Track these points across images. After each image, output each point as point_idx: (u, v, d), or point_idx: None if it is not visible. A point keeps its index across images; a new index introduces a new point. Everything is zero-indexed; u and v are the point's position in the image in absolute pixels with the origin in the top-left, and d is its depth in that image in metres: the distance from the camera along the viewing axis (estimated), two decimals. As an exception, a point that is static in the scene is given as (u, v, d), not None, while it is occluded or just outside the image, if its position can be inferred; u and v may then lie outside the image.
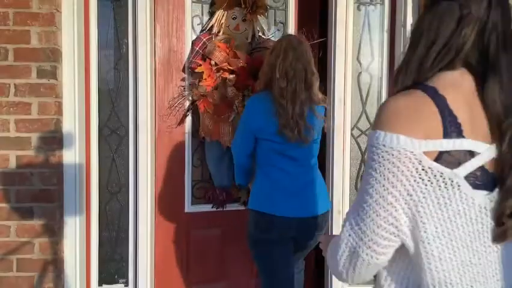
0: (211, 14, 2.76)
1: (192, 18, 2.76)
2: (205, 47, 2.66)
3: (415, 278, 1.01)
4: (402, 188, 0.96)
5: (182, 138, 2.79)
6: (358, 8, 2.72)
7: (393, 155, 0.96)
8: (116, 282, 2.76)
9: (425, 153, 0.96)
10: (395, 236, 0.98)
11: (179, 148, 2.79)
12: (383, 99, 2.73)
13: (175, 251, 2.82)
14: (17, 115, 2.48)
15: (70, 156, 2.59)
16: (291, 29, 2.91)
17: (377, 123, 1.00)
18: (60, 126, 2.55)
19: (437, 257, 0.98)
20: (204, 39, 2.69)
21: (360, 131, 2.75)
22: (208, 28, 2.73)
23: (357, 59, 2.74)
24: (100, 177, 2.72)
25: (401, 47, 2.65)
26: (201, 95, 2.64)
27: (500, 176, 1.00)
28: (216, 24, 2.69)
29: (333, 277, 2.75)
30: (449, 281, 0.98)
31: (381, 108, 1.01)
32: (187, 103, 2.76)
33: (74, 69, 2.58)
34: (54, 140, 2.51)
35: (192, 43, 2.73)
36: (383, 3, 2.73)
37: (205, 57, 2.66)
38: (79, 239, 2.63)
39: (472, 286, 0.98)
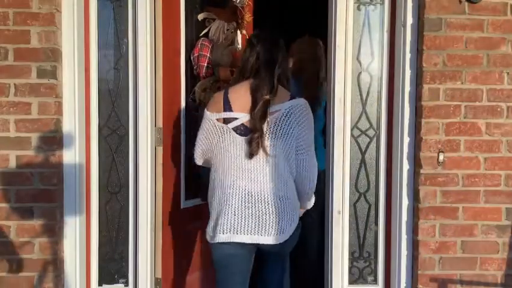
0: (203, 22, 3.00)
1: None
2: (211, 52, 2.92)
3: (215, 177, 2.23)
4: (205, 135, 2.23)
5: (178, 137, 2.82)
6: (358, 8, 2.72)
7: (204, 121, 2.24)
8: (116, 282, 2.77)
9: (217, 119, 2.18)
10: (202, 154, 2.29)
11: (176, 146, 2.82)
12: (383, 99, 2.73)
13: (174, 245, 2.85)
14: (17, 115, 2.49)
15: (70, 156, 2.59)
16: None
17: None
18: (60, 126, 2.55)
19: (217, 164, 2.20)
20: (210, 46, 2.92)
21: (360, 131, 2.75)
22: (203, 34, 2.97)
23: (357, 59, 2.74)
24: (100, 177, 2.72)
25: (401, 47, 2.64)
26: None
27: (252, 125, 2.14)
28: (218, 33, 2.98)
29: (333, 277, 2.76)
30: (222, 175, 2.17)
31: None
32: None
33: (74, 69, 2.59)
34: (54, 140, 2.51)
35: (197, 49, 2.90)
36: (383, 3, 2.72)
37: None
38: (79, 239, 2.64)
39: (236, 181, 2.14)
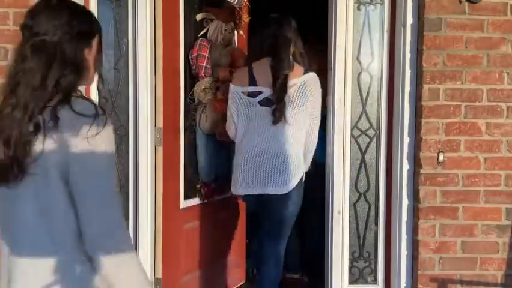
0: (201, 22, 2.98)
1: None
2: (210, 52, 2.91)
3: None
4: (234, 105, 2.56)
5: (178, 137, 2.83)
6: (358, 8, 2.72)
7: (231, 93, 2.56)
8: (117, 282, 2.76)
9: (243, 92, 2.54)
10: (233, 121, 2.59)
11: (176, 146, 2.82)
12: (383, 99, 2.74)
13: (174, 245, 2.85)
14: (17, 115, 2.48)
15: (70, 156, 2.58)
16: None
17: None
18: (61, 126, 2.54)
19: (240, 131, 2.60)
20: (208, 46, 2.91)
21: (360, 131, 2.75)
22: (202, 34, 2.95)
23: (357, 59, 2.74)
24: (100, 177, 2.71)
25: (401, 47, 2.65)
26: (219, 98, 2.88)
27: (274, 98, 2.48)
28: (216, 33, 2.97)
29: (333, 277, 2.76)
30: (243, 142, 2.59)
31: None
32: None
33: (74, 69, 2.58)
34: (54, 140, 2.50)
35: (196, 49, 2.88)
36: (383, 3, 2.72)
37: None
38: (79, 239, 2.63)
39: (253, 146, 2.54)
